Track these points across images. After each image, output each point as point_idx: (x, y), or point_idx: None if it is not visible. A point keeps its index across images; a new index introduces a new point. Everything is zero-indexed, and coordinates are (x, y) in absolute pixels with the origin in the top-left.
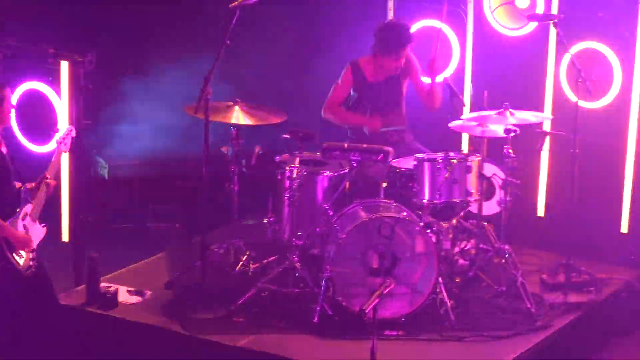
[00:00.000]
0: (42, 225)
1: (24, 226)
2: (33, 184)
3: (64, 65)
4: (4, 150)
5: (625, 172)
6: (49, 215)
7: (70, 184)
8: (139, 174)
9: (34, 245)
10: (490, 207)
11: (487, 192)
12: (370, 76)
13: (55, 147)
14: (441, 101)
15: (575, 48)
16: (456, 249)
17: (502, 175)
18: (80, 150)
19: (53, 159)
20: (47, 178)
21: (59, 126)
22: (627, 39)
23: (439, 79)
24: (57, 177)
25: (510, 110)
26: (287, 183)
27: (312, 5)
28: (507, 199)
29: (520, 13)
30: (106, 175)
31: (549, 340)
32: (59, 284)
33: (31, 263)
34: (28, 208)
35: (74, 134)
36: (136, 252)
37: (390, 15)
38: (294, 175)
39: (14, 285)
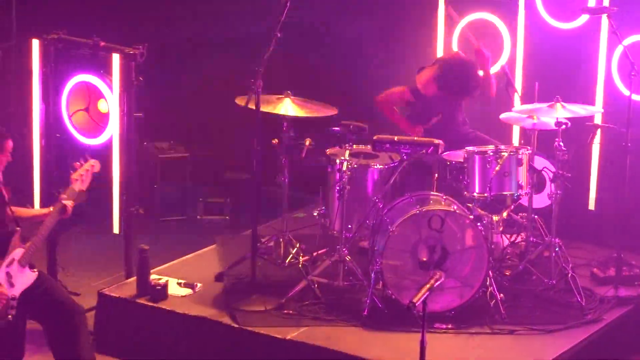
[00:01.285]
0: (33, 270)
1: (7, 273)
2: (43, 211)
3: (116, 58)
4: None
5: None
6: (100, 208)
7: (121, 177)
8: (190, 165)
9: (11, 294)
10: (541, 200)
11: (538, 185)
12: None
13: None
14: (496, 89)
15: (628, 41)
16: (506, 242)
17: (552, 168)
18: (131, 142)
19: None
20: (62, 199)
21: (80, 160)
22: None
23: (495, 68)
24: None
25: (562, 102)
26: (338, 176)
27: None
28: (558, 192)
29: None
30: None
31: (599, 334)
32: (110, 276)
33: (8, 312)
34: (17, 254)
35: (97, 168)
36: (186, 244)
37: (441, 6)
38: (344, 167)
39: None
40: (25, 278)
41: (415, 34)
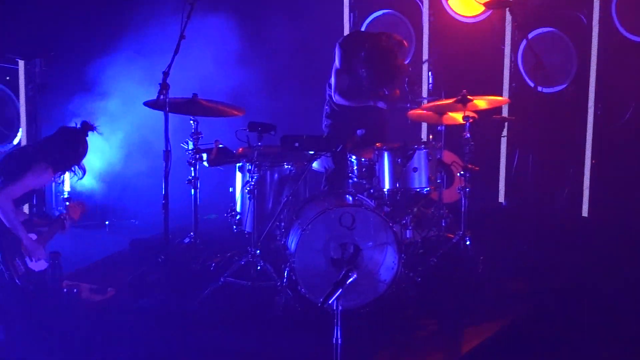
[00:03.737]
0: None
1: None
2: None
3: (21, 65)
4: None
5: (585, 156)
6: None
7: None
8: (100, 169)
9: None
10: (451, 195)
11: (448, 179)
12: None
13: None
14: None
15: (533, 33)
16: (418, 238)
17: (461, 162)
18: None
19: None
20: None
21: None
22: (583, 25)
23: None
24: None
25: (469, 97)
26: (247, 176)
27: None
28: (467, 186)
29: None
30: None
31: (512, 326)
32: None
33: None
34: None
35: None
36: (99, 248)
37: (346, 5)
38: (253, 168)
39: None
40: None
41: (318, 25)
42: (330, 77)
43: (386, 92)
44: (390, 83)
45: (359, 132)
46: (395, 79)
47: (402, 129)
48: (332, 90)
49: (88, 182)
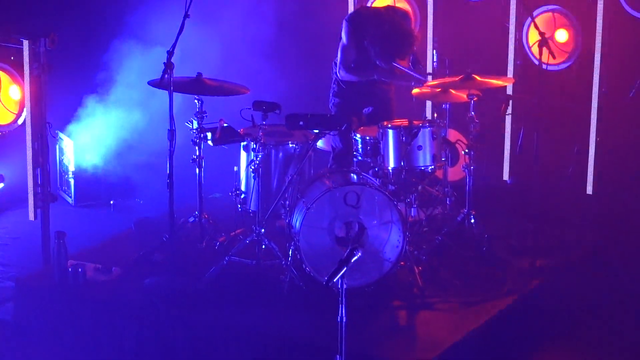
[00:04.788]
0: None
1: None
2: None
3: (25, 45)
4: None
5: (590, 134)
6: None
7: (33, 163)
8: (104, 149)
9: None
10: (456, 173)
11: (452, 157)
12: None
13: None
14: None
15: (538, 10)
16: (423, 216)
17: (466, 140)
18: (43, 128)
19: None
20: None
21: None
22: (588, 2)
23: None
24: None
25: (474, 75)
26: (252, 155)
27: None
28: (472, 164)
29: None
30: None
31: (517, 304)
32: (28, 263)
33: None
34: None
35: None
36: (103, 228)
37: None
38: (258, 147)
39: None
40: None
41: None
42: (337, 54)
43: (395, 65)
44: (403, 53)
45: (365, 110)
46: (408, 47)
47: (406, 107)
48: (338, 66)
49: (92, 162)
